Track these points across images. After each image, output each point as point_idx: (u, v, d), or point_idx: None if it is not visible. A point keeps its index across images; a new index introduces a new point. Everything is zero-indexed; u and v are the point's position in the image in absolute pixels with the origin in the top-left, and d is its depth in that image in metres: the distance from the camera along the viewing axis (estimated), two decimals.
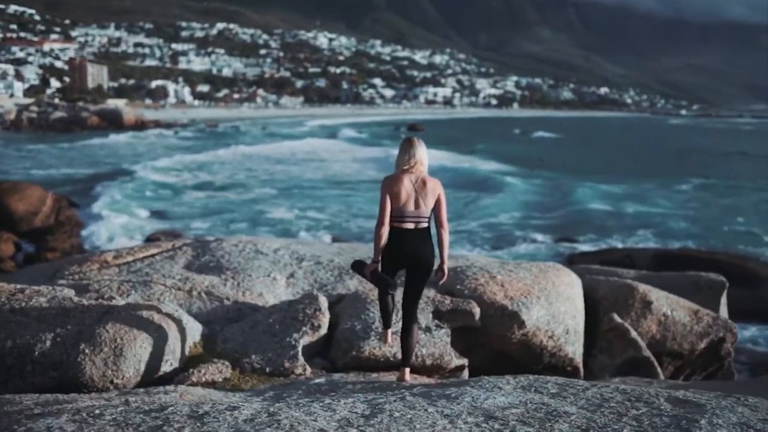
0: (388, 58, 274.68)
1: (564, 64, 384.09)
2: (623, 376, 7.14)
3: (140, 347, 4.87)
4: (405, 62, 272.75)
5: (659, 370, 7.31)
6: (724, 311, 9.44)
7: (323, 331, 5.62)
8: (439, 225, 4.77)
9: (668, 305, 7.94)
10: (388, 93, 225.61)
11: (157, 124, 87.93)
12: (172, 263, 7.40)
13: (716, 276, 10.21)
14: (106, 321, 4.98)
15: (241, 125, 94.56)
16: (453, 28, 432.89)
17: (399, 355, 5.01)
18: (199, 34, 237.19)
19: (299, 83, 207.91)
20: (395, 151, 4.82)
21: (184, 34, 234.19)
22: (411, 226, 4.68)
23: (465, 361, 5.78)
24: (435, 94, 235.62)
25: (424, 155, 4.77)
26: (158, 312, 5.25)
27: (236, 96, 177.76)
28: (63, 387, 4.58)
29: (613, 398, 3.63)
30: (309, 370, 5.29)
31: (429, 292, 6.29)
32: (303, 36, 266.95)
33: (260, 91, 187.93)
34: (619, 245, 21.78)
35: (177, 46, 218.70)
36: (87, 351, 4.76)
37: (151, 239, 21.62)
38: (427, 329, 5.68)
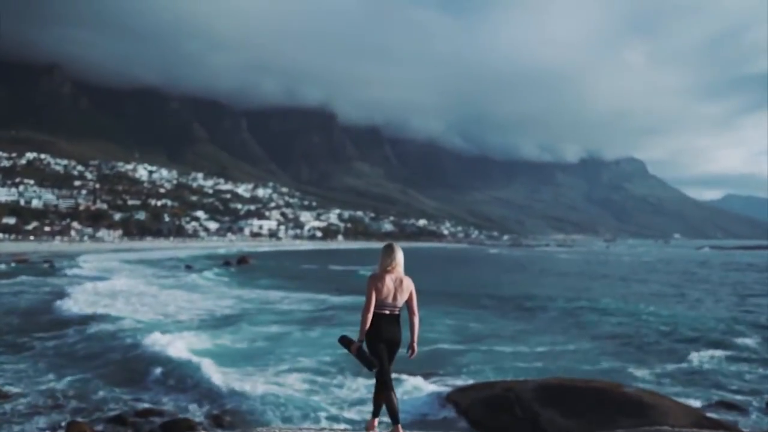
0: (210, 191, 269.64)
1: (383, 197, 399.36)
2: None
3: None
4: (228, 195, 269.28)
5: None
6: None
7: None
8: (411, 313, 6.20)
9: None
10: (212, 225, 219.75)
11: None
12: None
13: None
14: None
15: (55, 260, 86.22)
16: (275, 161, 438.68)
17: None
18: (6, 163, 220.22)
19: (117, 216, 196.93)
20: None
21: None
22: (388, 312, 6.03)
23: None
24: (260, 227, 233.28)
25: (401, 258, 6.17)
26: None
27: (47, 229, 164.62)
28: None
29: None
30: None
31: None
32: (121, 168, 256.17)
33: (75, 224, 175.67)
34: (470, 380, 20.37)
35: None
36: None
37: None
38: None
